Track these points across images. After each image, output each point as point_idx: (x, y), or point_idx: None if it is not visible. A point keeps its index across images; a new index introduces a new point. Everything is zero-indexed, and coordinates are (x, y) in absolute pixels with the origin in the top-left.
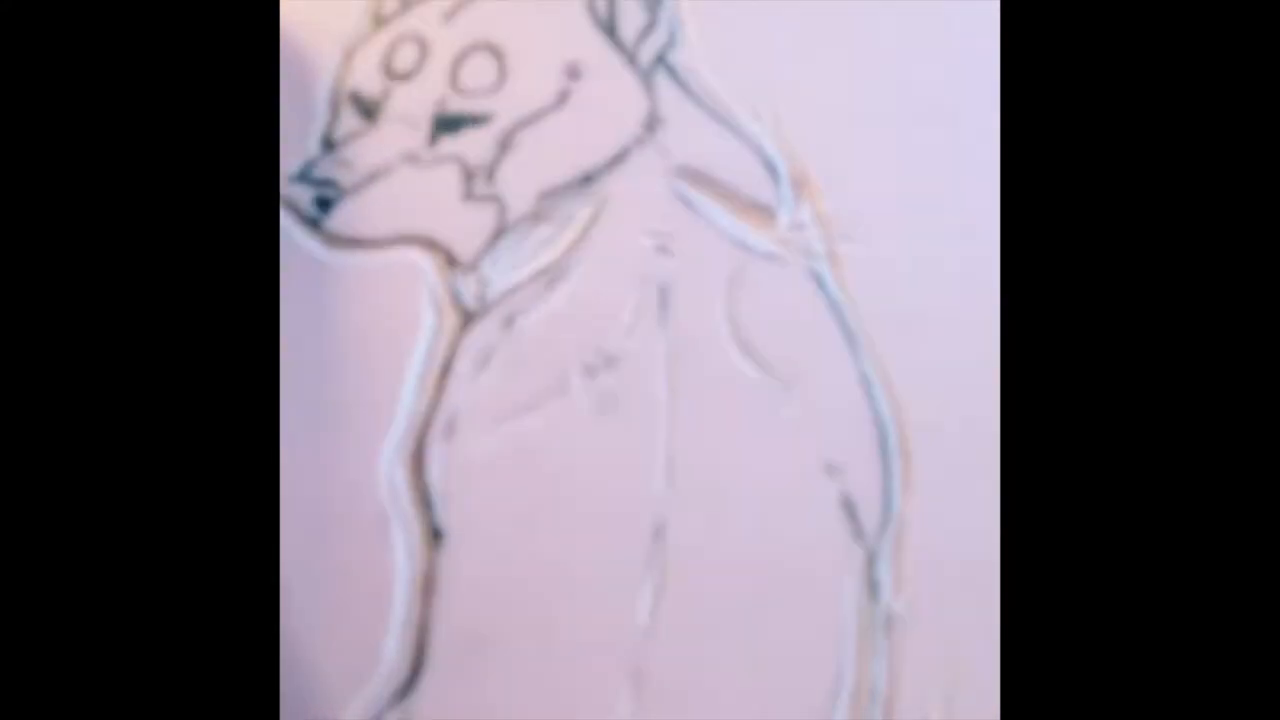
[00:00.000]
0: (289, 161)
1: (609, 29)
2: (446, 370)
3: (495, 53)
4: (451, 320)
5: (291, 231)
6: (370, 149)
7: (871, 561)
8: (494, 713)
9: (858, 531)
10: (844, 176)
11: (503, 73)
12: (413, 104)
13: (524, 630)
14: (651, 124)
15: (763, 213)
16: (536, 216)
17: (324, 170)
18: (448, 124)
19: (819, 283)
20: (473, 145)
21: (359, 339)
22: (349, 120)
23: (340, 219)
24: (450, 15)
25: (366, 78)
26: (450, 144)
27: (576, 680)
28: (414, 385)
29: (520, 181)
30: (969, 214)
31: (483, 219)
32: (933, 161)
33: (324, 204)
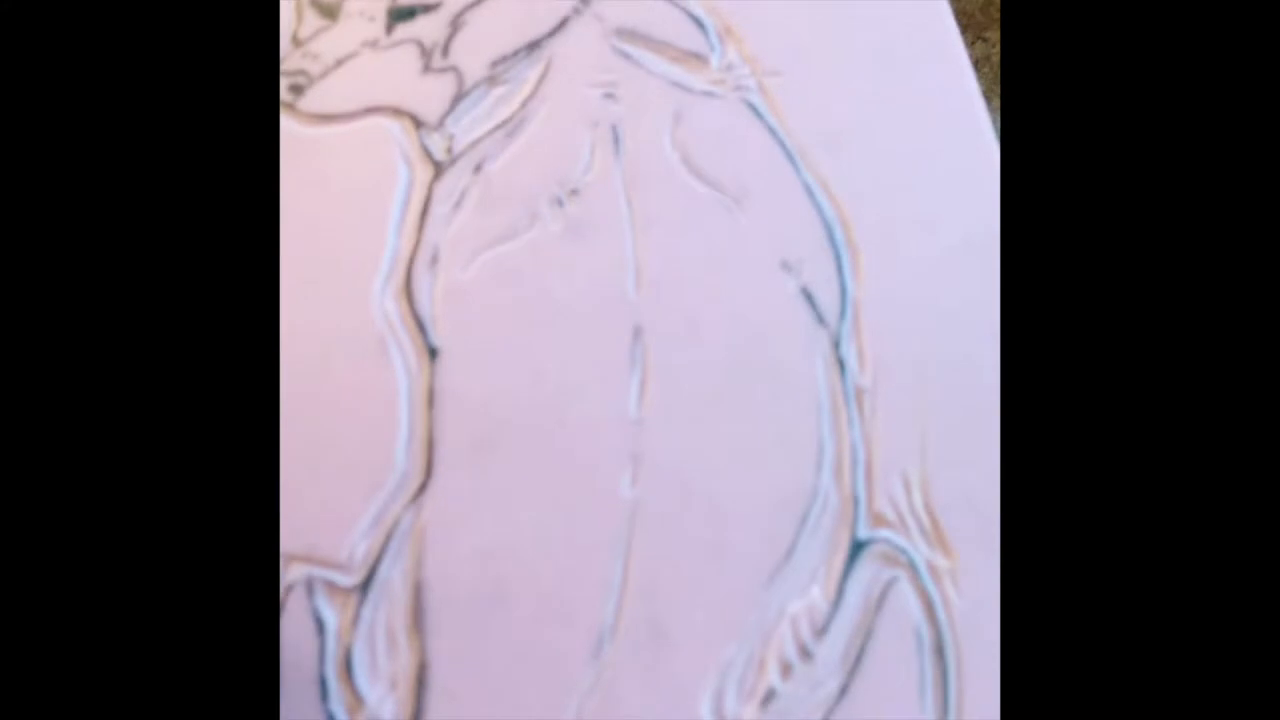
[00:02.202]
0: None
1: None
2: (425, 213)
3: None
4: (424, 172)
5: None
6: (334, 42)
7: (836, 343)
8: (504, 505)
9: (819, 318)
10: (764, 21)
11: None
12: (368, 2)
13: (523, 430)
14: None
15: (695, 59)
16: (491, 80)
17: (293, 63)
18: (402, 14)
19: (755, 112)
20: (427, 29)
21: (343, 197)
22: (312, 21)
23: (314, 100)
24: None
25: None
26: (406, 30)
27: (578, 470)
28: (396, 227)
29: (473, 54)
30: (884, 35)
31: (442, 87)
32: None
33: (297, 89)
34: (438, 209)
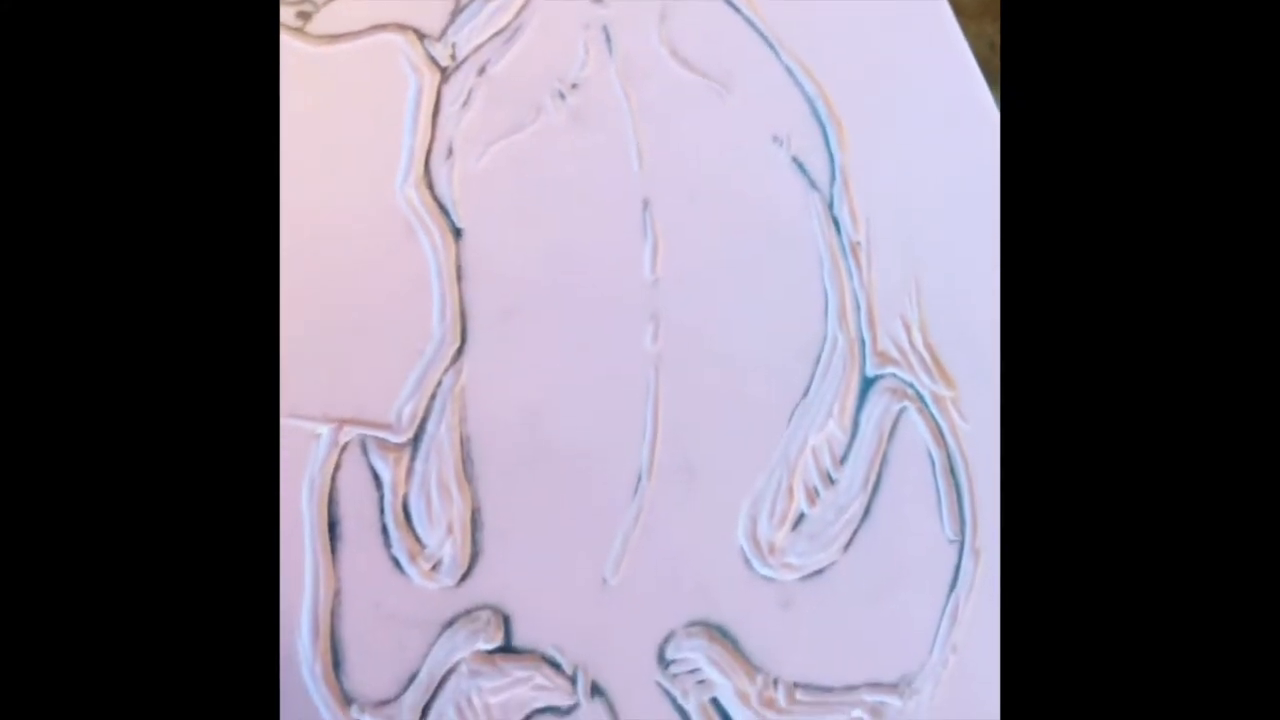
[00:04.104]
0: None
1: None
2: (436, 112)
3: None
4: (431, 76)
5: (282, 40)
6: None
7: (829, 205)
8: (537, 364)
9: (811, 183)
10: None
11: None
12: None
13: (548, 296)
14: None
15: None
16: None
17: None
18: None
19: (733, 7)
20: None
21: (359, 105)
22: None
23: (320, 24)
24: None
25: None
26: None
27: (601, 328)
28: (411, 125)
29: None
30: None
31: (440, 3)
32: None
33: (304, 16)
34: (448, 108)
